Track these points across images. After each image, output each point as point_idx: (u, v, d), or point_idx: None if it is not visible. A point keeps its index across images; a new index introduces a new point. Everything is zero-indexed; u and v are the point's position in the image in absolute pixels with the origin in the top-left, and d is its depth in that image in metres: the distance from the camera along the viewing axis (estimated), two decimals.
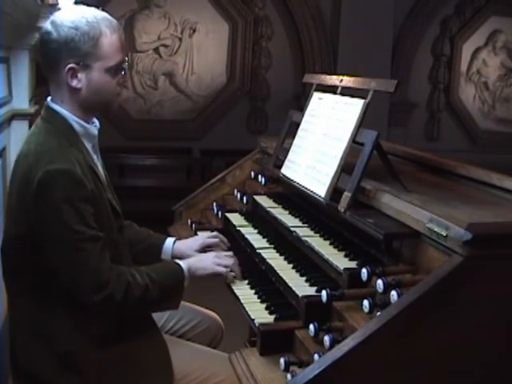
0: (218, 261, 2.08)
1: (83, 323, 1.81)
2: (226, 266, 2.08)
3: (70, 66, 1.79)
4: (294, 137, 2.50)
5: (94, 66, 1.81)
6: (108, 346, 1.84)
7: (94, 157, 1.93)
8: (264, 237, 2.40)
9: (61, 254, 1.74)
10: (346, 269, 1.83)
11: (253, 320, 1.84)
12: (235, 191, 2.94)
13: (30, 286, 1.82)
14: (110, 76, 1.85)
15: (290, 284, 1.94)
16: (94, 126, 1.94)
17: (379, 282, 1.62)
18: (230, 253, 2.20)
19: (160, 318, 2.17)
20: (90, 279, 1.74)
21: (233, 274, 2.10)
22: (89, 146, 1.91)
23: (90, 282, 1.74)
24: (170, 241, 2.27)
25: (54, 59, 1.81)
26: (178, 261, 2.04)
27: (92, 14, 1.83)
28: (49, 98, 1.90)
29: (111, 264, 1.80)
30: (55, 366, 1.81)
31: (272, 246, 2.29)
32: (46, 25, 1.82)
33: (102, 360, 1.83)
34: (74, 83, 1.82)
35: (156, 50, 7.18)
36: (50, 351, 1.81)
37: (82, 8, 1.86)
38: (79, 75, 1.81)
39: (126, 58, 1.92)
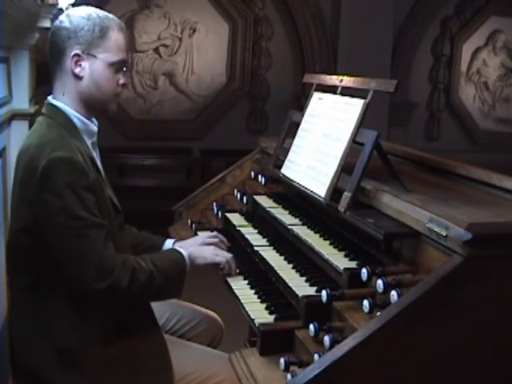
0: (217, 251, 2.13)
1: (84, 320, 1.82)
2: (224, 257, 2.12)
3: (75, 52, 1.86)
4: (293, 137, 2.50)
5: (99, 56, 1.88)
6: (108, 344, 1.84)
7: (94, 154, 1.95)
8: (264, 237, 2.40)
9: (64, 242, 1.74)
10: (346, 269, 1.83)
11: (253, 320, 1.84)
12: (235, 191, 2.94)
13: (31, 281, 1.83)
14: (111, 71, 1.90)
15: (290, 284, 1.94)
16: (94, 125, 1.97)
17: (379, 282, 1.62)
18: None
19: (160, 317, 2.17)
20: (95, 267, 1.73)
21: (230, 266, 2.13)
22: (88, 143, 1.93)
23: (95, 270, 1.73)
24: (169, 242, 2.28)
25: (62, 46, 1.88)
26: (179, 249, 2.06)
27: (103, 12, 1.94)
28: (49, 96, 1.94)
29: (115, 253, 1.80)
30: (55, 362, 1.81)
31: (272, 245, 2.29)
32: (61, 16, 1.92)
33: (101, 358, 1.83)
34: (77, 70, 1.88)
35: (156, 50, 7.19)
36: (49, 347, 1.81)
37: (95, 8, 1.96)
38: (83, 64, 1.88)
39: (128, 62, 1.97)
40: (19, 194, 1.82)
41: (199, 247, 2.15)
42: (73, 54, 1.86)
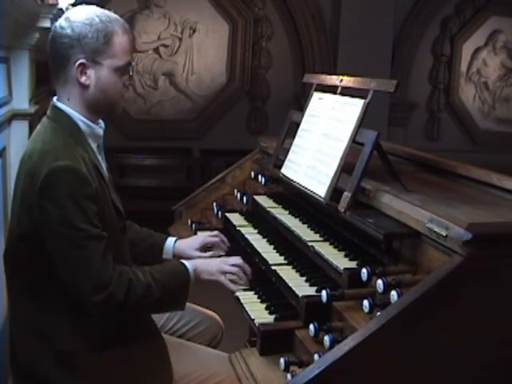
0: (224, 268, 2.04)
1: (83, 324, 1.81)
2: (230, 273, 2.05)
3: (80, 61, 1.81)
4: (293, 137, 2.50)
5: (104, 63, 1.83)
6: (107, 347, 1.83)
7: (99, 157, 1.94)
8: (264, 237, 2.40)
9: (63, 252, 1.72)
10: (346, 269, 1.83)
11: (253, 320, 1.84)
12: (235, 191, 2.94)
13: (30, 285, 1.82)
14: (117, 76, 1.87)
15: (290, 284, 1.94)
16: (100, 127, 1.95)
17: (379, 282, 1.62)
18: (238, 258, 2.11)
19: (160, 317, 2.17)
20: (92, 278, 1.72)
21: (237, 287, 2.05)
22: (94, 146, 1.91)
23: (92, 282, 1.72)
24: (171, 240, 2.28)
25: (65, 55, 1.82)
26: (184, 261, 2.02)
27: (105, 13, 1.87)
28: (55, 98, 1.91)
29: (113, 264, 1.78)
30: (54, 365, 1.81)
31: (272, 246, 2.29)
32: (60, 21, 1.85)
33: (101, 360, 1.82)
34: (83, 79, 1.83)
35: (156, 50, 7.18)
36: (49, 351, 1.81)
37: (95, 7, 1.89)
38: (88, 72, 1.83)
39: (133, 62, 1.94)
40: (21, 200, 1.80)
41: (206, 261, 2.08)
42: (78, 63, 1.81)
